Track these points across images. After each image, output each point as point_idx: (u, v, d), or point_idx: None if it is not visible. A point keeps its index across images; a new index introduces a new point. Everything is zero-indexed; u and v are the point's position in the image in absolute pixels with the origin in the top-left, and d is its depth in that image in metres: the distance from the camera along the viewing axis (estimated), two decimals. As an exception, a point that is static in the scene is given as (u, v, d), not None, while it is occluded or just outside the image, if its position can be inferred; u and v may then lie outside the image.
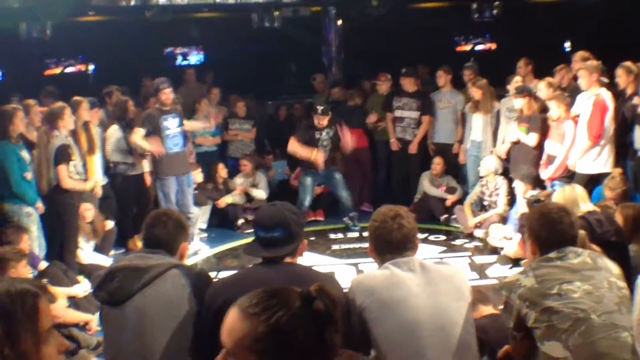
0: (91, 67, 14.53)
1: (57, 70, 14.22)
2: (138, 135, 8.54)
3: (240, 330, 2.03)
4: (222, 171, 10.57)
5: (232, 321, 2.06)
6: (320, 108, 9.51)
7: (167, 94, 8.68)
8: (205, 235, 10.03)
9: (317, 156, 9.42)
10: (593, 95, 7.73)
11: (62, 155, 7.59)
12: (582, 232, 3.96)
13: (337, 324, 2.08)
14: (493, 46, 14.35)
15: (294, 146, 9.52)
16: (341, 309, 2.95)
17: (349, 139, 9.56)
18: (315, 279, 3.19)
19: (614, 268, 3.49)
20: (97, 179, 8.53)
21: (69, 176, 7.63)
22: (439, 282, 3.41)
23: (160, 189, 8.77)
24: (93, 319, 5.64)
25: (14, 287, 2.17)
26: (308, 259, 8.34)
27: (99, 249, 8.47)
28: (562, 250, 3.45)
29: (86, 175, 8.22)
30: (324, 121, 9.42)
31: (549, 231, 3.51)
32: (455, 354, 3.30)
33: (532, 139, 8.46)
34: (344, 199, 9.79)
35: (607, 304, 3.29)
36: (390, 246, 3.50)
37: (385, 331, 3.31)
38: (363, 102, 11.24)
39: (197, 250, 9.17)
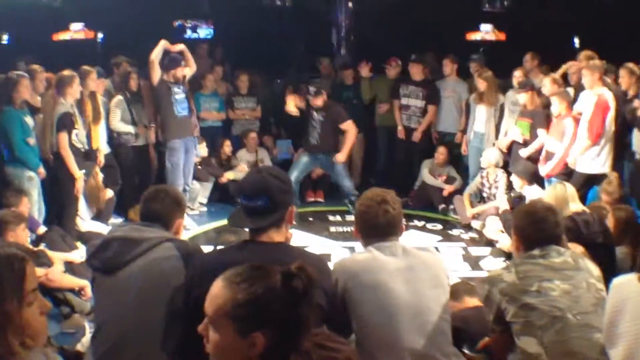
0: (100, 35, 14.49)
1: (65, 36, 14.19)
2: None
3: (222, 297, 2.17)
4: (227, 148, 10.66)
5: (216, 289, 2.20)
6: (312, 89, 9.41)
7: (182, 72, 9.00)
8: (205, 209, 10.12)
9: (290, 103, 9.46)
10: (595, 94, 7.73)
11: (65, 123, 7.64)
12: None
13: (312, 303, 2.20)
14: (502, 37, 14.29)
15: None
16: (321, 290, 3.05)
17: (345, 151, 9.52)
18: (302, 259, 3.27)
19: (594, 270, 3.55)
20: (100, 149, 8.60)
21: (70, 144, 7.68)
22: (419, 268, 3.48)
23: (169, 158, 8.89)
24: (88, 285, 5.73)
25: (3, 251, 2.28)
26: (305, 239, 8.46)
27: (98, 216, 8.56)
28: (545, 249, 3.51)
29: (90, 144, 8.28)
30: (318, 101, 9.31)
31: (533, 229, 3.59)
32: (430, 339, 3.37)
33: (541, 135, 8.48)
34: (346, 187, 9.73)
35: (583, 304, 3.36)
36: (374, 230, 3.56)
37: (365, 314, 3.38)
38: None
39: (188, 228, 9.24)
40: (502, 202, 8.40)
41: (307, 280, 2.20)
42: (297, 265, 2.23)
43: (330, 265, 3.51)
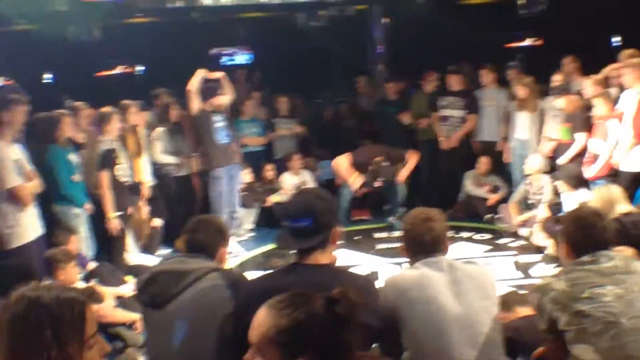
0: (139, 68, 14.70)
1: (107, 72, 14.44)
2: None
3: (266, 323, 2.21)
4: (270, 172, 10.71)
5: (261, 317, 2.24)
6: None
7: (220, 100, 9.12)
8: (252, 234, 10.14)
9: (355, 181, 9.51)
10: (638, 93, 7.63)
11: (106, 160, 7.73)
12: None
13: (355, 327, 2.20)
14: (540, 42, 14.17)
15: (340, 163, 9.66)
16: (370, 310, 3.07)
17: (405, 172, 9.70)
18: (348, 281, 3.25)
19: (646, 271, 3.48)
20: (144, 182, 8.68)
21: (115, 180, 7.76)
22: (466, 281, 3.49)
23: (213, 187, 8.95)
24: (139, 318, 5.77)
25: (63, 295, 2.27)
26: (352, 258, 8.45)
27: (146, 249, 8.64)
28: (594, 254, 3.46)
29: (134, 177, 8.36)
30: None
31: (582, 235, 3.54)
32: (482, 351, 3.36)
33: (579, 139, 8.38)
34: (398, 192, 9.91)
35: (637, 307, 3.29)
36: (421, 247, 3.59)
37: (415, 329, 3.38)
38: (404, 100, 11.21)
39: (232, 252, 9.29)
40: (542, 210, 8.31)
41: (350, 305, 2.22)
42: (339, 291, 2.25)
43: (380, 282, 3.52)
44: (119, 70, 14.44)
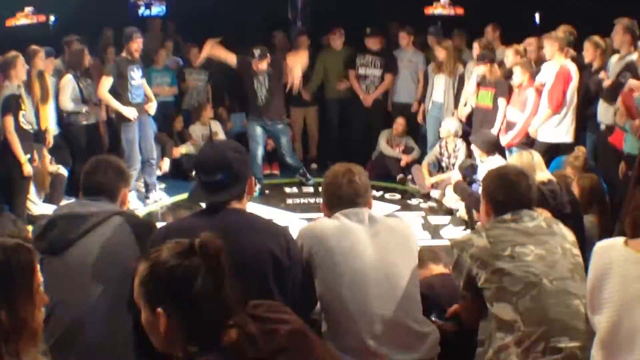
0: (52, 17, 14.07)
1: (17, 21, 13.76)
2: (105, 87, 8.44)
3: (137, 274, 2.14)
4: (178, 124, 10.48)
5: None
6: (257, 52, 8.94)
7: (139, 44, 8.66)
8: (163, 186, 9.87)
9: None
10: (557, 65, 7.72)
11: (9, 106, 7.41)
12: None
13: (221, 278, 2.10)
14: (460, 11, 14.16)
15: None
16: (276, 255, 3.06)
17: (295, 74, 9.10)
18: (259, 227, 3.17)
19: (568, 235, 3.44)
20: (49, 130, 8.39)
21: (18, 126, 7.46)
22: (386, 234, 3.41)
23: (125, 137, 8.65)
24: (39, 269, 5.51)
25: (8, 242, 2.10)
26: (262, 212, 8.28)
27: (49, 199, 8.32)
28: (517, 213, 3.39)
29: (39, 124, 8.06)
30: (263, 65, 8.97)
31: (505, 193, 3.45)
32: (400, 305, 3.30)
33: (502, 105, 8.41)
34: (291, 162, 9.65)
35: (560, 269, 3.24)
36: (340, 201, 3.48)
37: (331, 278, 3.31)
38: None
39: (159, 199, 9.20)
40: (455, 173, 8.34)
41: (209, 255, 2.10)
42: (200, 239, 2.13)
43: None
44: (31, 20, 13.76)
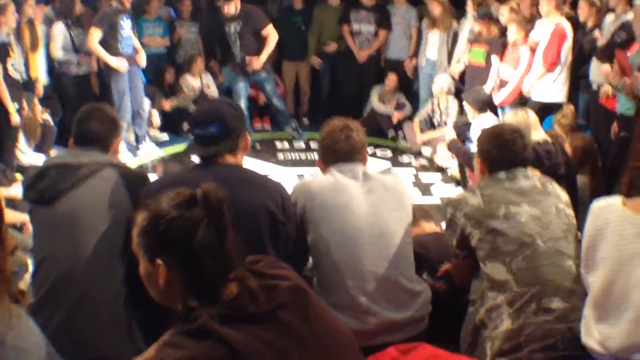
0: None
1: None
2: (95, 38, 8.28)
3: (135, 222, 2.11)
4: (169, 76, 10.35)
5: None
6: None
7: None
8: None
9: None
10: (553, 23, 7.62)
11: None
12: None
13: (222, 230, 2.07)
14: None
15: None
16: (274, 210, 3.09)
17: (263, 56, 8.85)
18: (254, 182, 3.17)
19: (562, 195, 3.44)
20: (39, 79, 8.29)
21: (7, 74, 7.37)
22: (380, 190, 3.41)
23: (115, 87, 8.54)
24: (29, 220, 5.46)
25: None
26: (253, 166, 8.26)
27: (39, 149, 8.25)
28: (511, 172, 3.38)
29: (28, 73, 7.98)
30: (230, 9, 8.64)
31: (499, 151, 3.43)
32: (392, 262, 3.31)
33: (495, 62, 8.35)
34: (279, 108, 9.51)
35: (553, 230, 3.25)
36: (336, 156, 3.47)
37: (324, 233, 3.31)
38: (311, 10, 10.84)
39: (149, 151, 9.12)
40: (449, 131, 8.30)
41: (212, 205, 2.06)
42: (202, 190, 2.09)
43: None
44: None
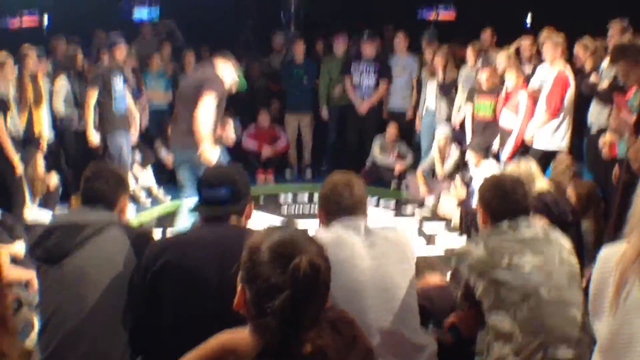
0: (46, 21, 14.01)
1: (12, 25, 13.70)
2: (92, 101, 8.29)
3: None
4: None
5: None
6: None
7: (122, 50, 8.54)
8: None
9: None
10: (556, 69, 7.64)
11: None
12: None
13: (294, 301, 2.08)
14: (453, 15, 14.22)
15: None
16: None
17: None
18: None
19: (566, 242, 3.45)
20: (43, 135, 8.29)
21: (3, 130, 7.38)
22: (383, 244, 3.40)
23: (112, 144, 8.43)
24: (34, 277, 5.46)
25: None
26: (257, 219, 8.27)
27: (43, 204, 8.24)
28: (514, 221, 3.40)
29: (32, 129, 8.01)
30: None
31: (500, 202, 3.47)
32: (397, 316, 3.28)
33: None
34: None
35: (556, 279, 3.25)
36: (339, 210, 3.47)
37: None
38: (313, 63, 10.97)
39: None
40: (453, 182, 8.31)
41: (298, 281, 2.09)
42: (297, 262, 2.12)
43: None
44: (24, 23, 13.67)
